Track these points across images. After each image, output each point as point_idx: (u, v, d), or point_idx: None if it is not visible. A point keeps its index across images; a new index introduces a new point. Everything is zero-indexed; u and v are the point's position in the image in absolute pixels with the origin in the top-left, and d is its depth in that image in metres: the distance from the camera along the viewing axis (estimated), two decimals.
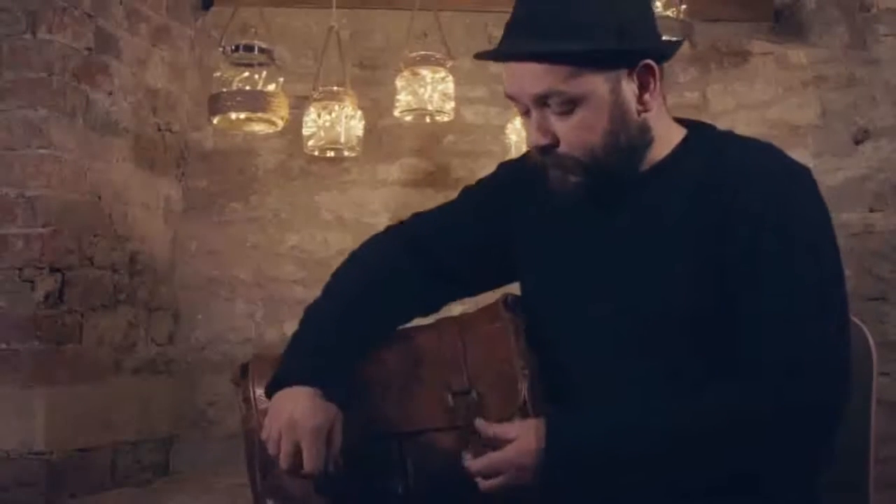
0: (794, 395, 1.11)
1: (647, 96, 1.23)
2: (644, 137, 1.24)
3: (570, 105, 1.20)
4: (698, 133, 1.30)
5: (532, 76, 1.20)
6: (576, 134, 1.21)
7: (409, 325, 1.40)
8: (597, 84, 1.19)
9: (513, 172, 1.42)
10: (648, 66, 1.22)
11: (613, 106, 1.20)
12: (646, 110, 1.23)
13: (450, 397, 1.26)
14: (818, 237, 1.19)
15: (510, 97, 1.25)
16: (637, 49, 1.21)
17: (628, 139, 1.22)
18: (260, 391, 1.31)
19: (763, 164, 1.22)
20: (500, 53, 1.26)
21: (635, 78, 1.22)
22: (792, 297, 1.14)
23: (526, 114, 1.25)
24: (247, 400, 1.33)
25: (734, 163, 1.22)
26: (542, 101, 1.21)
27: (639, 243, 1.24)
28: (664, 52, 1.27)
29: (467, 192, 1.46)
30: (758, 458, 1.15)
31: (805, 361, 1.12)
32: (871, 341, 1.33)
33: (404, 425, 1.26)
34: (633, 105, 1.22)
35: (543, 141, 1.22)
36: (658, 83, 1.24)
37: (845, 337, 1.17)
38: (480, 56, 1.28)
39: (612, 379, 1.23)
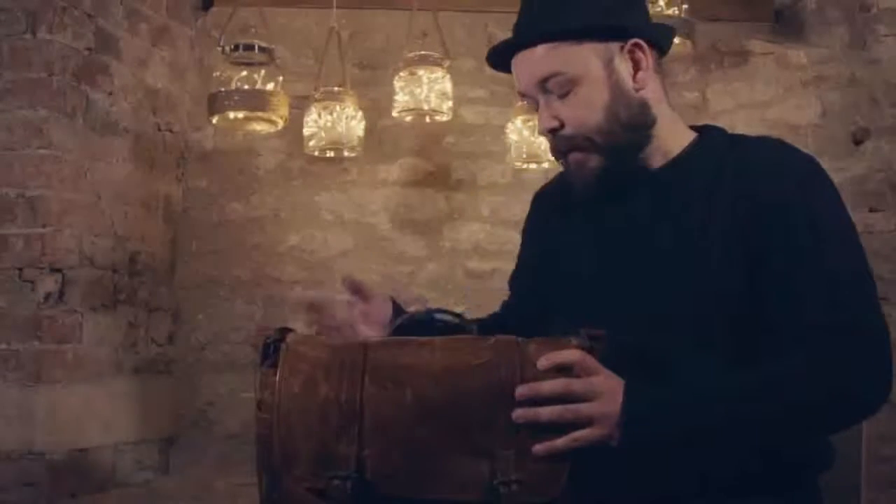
0: (859, 348, 1.15)
1: (640, 74, 1.30)
2: (646, 115, 1.30)
3: (570, 85, 1.27)
4: (710, 132, 1.36)
5: (533, 63, 1.29)
6: (578, 112, 1.28)
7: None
8: (591, 62, 1.27)
9: (544, 196, 1.51)
10: (638, 45, 1.30)
11: (610, 82, 1.28)
12: (641, 87, 1.30)
13: (487, 469, 1.03)
14: (843, 218, 1.25)
15: (522, 94, 1.33)
16: (622, 25, 1.29)
17: (629, 115, 1.29)
18: (289, 380, 1.05)
19: (781, 156, 1.28)
20: (497, 48, 1.34)
21: (627, 56, 1.29)
22: (835, 270, 1.19)
23: (537, 108, 1.32)
24: (268, 386, 1.06)
25: (752, 156, 1.28)
26: (543, 85, 1.29)
27: (666, 236, 1.26)
28: (653, 33, 1.34)
29: (522, 232, 1.55)
30: (828, 415, 1.17)
31: (862, 321, 1.17)
32: None
33: (421, 492, 1.04)
34: (629, 83, 1.29)
35: (551, 124, 1.29)
36: (651, 62, 1.31)
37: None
38: (492, 54, 1.35)
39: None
